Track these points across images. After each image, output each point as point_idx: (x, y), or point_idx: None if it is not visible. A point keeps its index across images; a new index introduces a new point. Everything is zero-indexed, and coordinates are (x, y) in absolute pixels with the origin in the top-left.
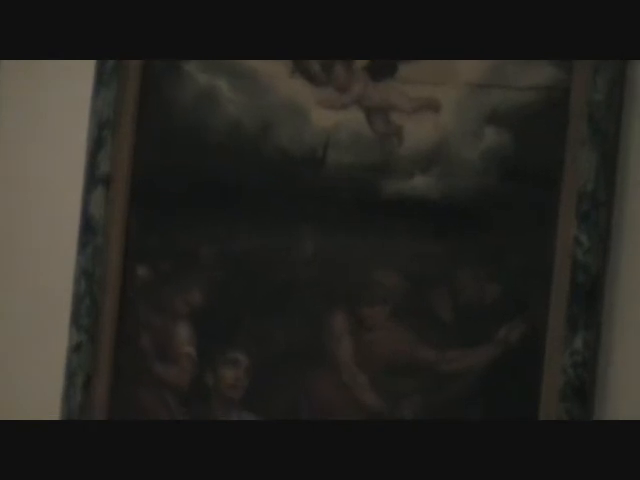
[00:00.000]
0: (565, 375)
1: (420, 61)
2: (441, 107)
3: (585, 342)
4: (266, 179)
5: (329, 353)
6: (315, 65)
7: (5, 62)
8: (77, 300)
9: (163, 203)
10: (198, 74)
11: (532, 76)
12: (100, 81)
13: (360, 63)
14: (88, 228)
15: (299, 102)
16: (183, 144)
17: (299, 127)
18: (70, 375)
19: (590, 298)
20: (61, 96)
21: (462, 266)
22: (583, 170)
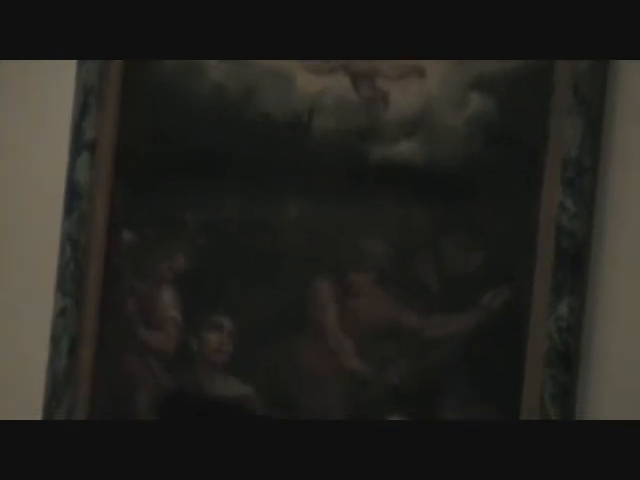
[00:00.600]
0: (550, 340)
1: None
2: (426, 73)
3: (570, 308)
4: (251, 145)
5: (314, 319)
6: None
7: None
8: (62, 265)
9: (148, 169)
10: None
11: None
12: None
13: None
14: (73, 194)
15: (285, 67)
16: (168, 111)
17: (284, 92)
18: (55, 340)
19: (575, 264)
20: (46, 63)
21: (447, 233)
22: (568, 137)
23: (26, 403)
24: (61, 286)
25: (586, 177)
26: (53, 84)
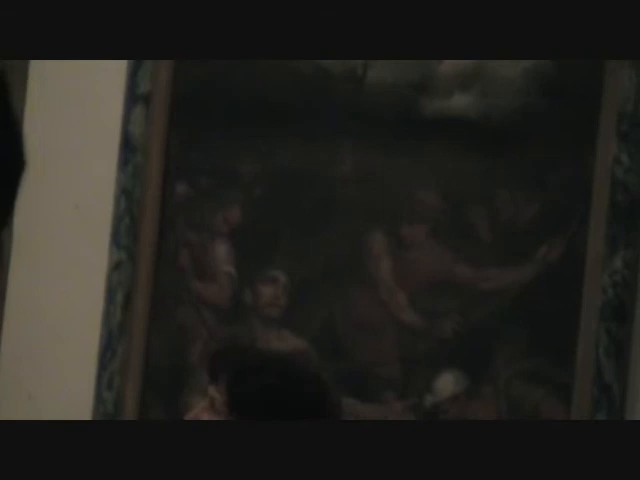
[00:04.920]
0: (604, 294)
1: None
2: None
3: (624, 261)
4: (307, 97)
5: (367, 271)
6: None
7: None
8: (117, 219)
9: (202, 121)
10: None
11: None
12: None
13: None
14: (128, 146)
15: None
16: (223, 63)
17: None
18: (110, 294)
19: (630, 217)
20: None
21: (501, 185)
22: (623, 90)
23: (81, 356)
24: (116, 239)
25: None
26: None
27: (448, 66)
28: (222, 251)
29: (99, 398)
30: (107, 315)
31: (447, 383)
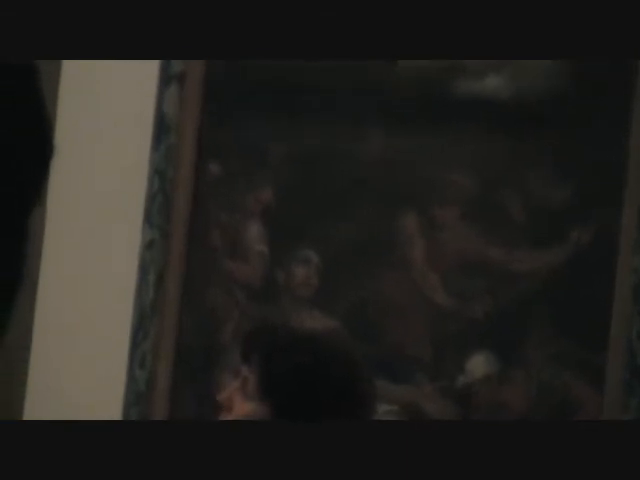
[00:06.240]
0: (638, 276)
1: None
2: None
3: None
4: (338, 78)
5: (399, 253)
6: None
7: None
8: (150, 198)
9: (236, 102)
10: None
11: None
12: None
13: None
14: (162, 127)
15: None
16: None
17: None
18: (143, 272)
19: None
20: None
21: (533, 167)
22: None
23: (113, 335)
24: (149, 218)
25: None
26: None
27: None
28: (254, 230)
29: (131, 377)
30: (139, 294)
31: (478, 364)
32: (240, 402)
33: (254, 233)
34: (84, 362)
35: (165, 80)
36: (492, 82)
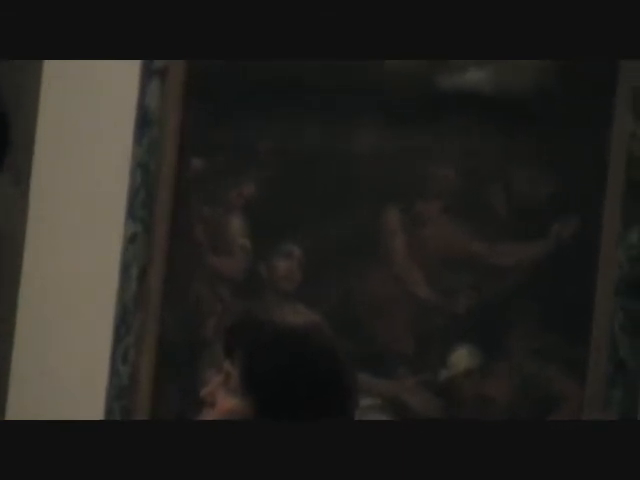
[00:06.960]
0: (620, 270)
1: None
2: None
3: None
4: (323, 74)
5: (382, 247)
6: None
7: None
8: (132, 192)
9: (219, 96)
10: None
11: None
12: None
13: None
14: (144, 120)
15: None
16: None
17: None
18: (125, 266)
19: None
20: None
21: (516, 162)
22: (638, 67)
23: (96, 329)
24: (131, 212)
25: None
26: None
27: None
28: (236, 224)
29: (114, 371)
30: (122, 289)
31: (461, 358)
32: (223, 397)
33: (236, 226)
34: (67, 357)
35: (147, 74)
36: (475, 77)
